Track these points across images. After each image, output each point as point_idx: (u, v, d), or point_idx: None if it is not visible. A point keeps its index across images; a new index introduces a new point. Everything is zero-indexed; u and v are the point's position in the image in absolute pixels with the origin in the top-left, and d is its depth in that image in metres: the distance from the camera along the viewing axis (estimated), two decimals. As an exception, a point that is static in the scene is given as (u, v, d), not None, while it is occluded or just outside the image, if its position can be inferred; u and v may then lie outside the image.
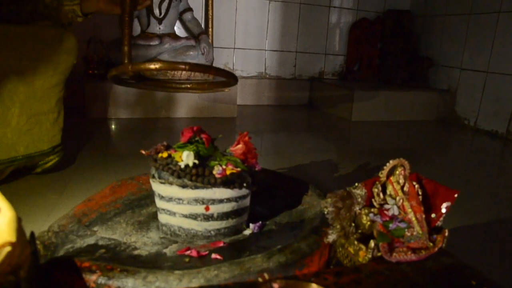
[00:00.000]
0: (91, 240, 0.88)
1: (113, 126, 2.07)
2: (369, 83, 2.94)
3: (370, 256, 0.76)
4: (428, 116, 2.64)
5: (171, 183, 0.85)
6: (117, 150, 1.76)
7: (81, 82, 2.17)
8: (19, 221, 0.61)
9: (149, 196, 1.08)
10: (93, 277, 0.69)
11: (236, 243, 0.89)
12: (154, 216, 0.99)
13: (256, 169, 0.92)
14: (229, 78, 1.38)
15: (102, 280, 0.69)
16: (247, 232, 0.92)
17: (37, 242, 0.78)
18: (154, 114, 2.23)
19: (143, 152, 0.90)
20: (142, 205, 1.05)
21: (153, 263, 0.80)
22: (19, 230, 0.60)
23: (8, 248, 0.55)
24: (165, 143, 0.92)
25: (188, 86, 1.58)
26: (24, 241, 0.60)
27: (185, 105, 2.27)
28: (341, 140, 2.18)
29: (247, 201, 0.91)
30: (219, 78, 1.65)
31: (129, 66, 1.22)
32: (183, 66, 1.27)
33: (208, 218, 0.87)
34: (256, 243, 0.89)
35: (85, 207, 0.99)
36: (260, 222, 0.95)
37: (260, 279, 0.63)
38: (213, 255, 0.81)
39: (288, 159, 1.67)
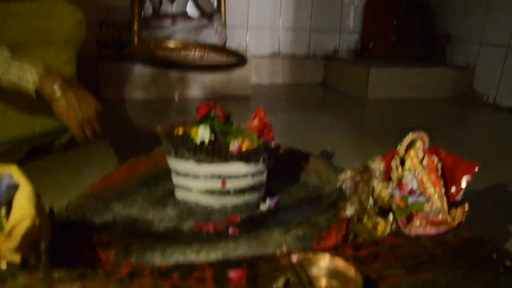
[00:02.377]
0: (108, 217, 0.88)
1: (127, 107, 2.08)
2: (385, 60, 2.89)
3: (388, 230, 0.75)
4: (445, 93, 2.59)
5: (187, 159, 0.85)
6: (132, 130, 1.76)
7: (94, 64, 2.17)
8: (38, 197, 0.61)
9: (164, 174, 1.08)
10: (112, 252, 0.70)
11: (252, 218, 0.88)
12: (170, 193, 0.99)
13: (272, 145, 0.91)
14: (239, 59, 1.37)
15: (120, 255, 0.70)
16: (263, 207, 0.92)
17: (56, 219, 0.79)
18: (168, 95, 2.22)
19: (159, 129, 0.90)
20: (158, 183, 1.05)
21: (170, 239, 0.80)
22: (38, 205, 0.60)
23: (28, 222, 0.56)
24: (179, 121, 0.92)
25: (200, 65, 1.57)
26: (43, 215, 0.60)
27: (199, 85, 2.26)
28: (357, 118, 2.15)
29: (263, 177, 0.91)
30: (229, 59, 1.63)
31: (151, 43, 1.21)
32: (201, 47, 1.26)
33: (224, 194, 0.87)
34: (273, 218, 0.88)
35: (102, 185, 1.00)
36: (277, 197, 0.95)
37: (278, 252, 0.62)
38: (230, 230, 0.81)
39: (303, 137, 1.66)
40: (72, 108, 1.03)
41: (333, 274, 0.59)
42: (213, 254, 0.69)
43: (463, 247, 0.70)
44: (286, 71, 2.87)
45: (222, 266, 0.61)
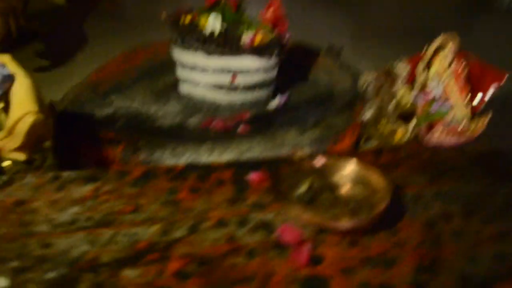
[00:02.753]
0: (109, 110, 0.83)
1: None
2: None
3: (407, 136, 0.72)
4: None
5: (195, 50, 0.78)
6: (127, 14, 1.63)
7: None
8: (37, 90, 0.55)
9: (166, 64, 1.01)
10: (119, 149, 0.66)
11: (262, 116, 0.84)
12: (173, 86, 0.93)
13: (286, 37, 0.84)
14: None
15: (127, 152, 0.66)
16: (273, 105, 0.87)
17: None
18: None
19: (163, 15, 0.81)
20: (159, 74, 0.99)
21: (177, 135, 0.76)
22: (40, 99, 0.54)
23: (31, 118, 0.50)
24: (185, 6, 0.83)
25: None
26: (45, 110, 0.55)
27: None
28: (363, 13, 2.03)
29: (274, 72, 0.85)
30: None
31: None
32: None
33: (234, 89, 0.82)
34: (283, 116, 0.84)
35: (99, 75, 0.93)
36: (286, 95, 0.90)
37: (297, 155, 0.59)
38: (240, 128, 0.78)
39: (306, 29, 1.56)
40: None
41: (359, 180, 0.56)
42: (227, 154, 0.66)
43: (483, 159, 0.68)
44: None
45: (240, 167, 0.58)
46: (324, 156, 0.59)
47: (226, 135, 0.73)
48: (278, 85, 0.91)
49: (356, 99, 0.83)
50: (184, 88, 0.85)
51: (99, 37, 1.28)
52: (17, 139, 0.51)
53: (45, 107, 0.55)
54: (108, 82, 0.92)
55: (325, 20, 1.79)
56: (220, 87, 0.81)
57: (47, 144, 0.55)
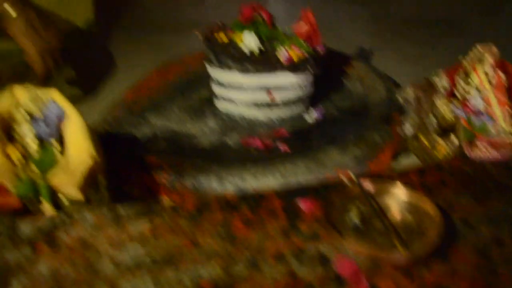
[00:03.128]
0: (146, 130, 0.85)
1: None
2: None
3: (450, 152, 0.72)
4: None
5: (231, 68, 0.78)
6: (152, 22, 1.63)
7: None
8: (90, 128, 0.57)
9: (198, 79, 1.02)
10: (165, 175, 0.67)
11: (299, 131, 0.85)
12: (207, 102, 0.94)
13: (320, 51, 0.84)
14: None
15: (174, 178, 0.67)
16: (309, 118, 0.88)
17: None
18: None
19: (197, 33, 0.82)
20: (192, 89, 1.00)
21: (217, 155, 0.77)
22: (93, 137, 0.56)
23: (90, 161, 0.52)
24: (220, 22, 0.83)
25: None
26: (99, 147, 0.56)
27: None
28: (384, 8, 2.00)
29: (310, 86, 0.85)
30: None
31: None
32: None
33: (271, 106, 0.82)
34: (321, 131, 0.85)
35: (134, 94, 0.95)
36: (322, 107, 0.90)
37: (344, 178, 0.60)
38: (280, 146, 0.78)
39: (330, 32, 1.55)
40: (34, 33, 0.84)
41: (407, 204, 0.57)
42: (271, 178, 0.66)
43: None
44: None
45: (289, 194, 0.58)
46: (370, 179, 0.60)
47: (268, 156, 0.73)
48: (313, 97, 0.91)
49: (392, 111, 0.82)
50: (220, 105, 0.86)
51: (128, 54, 1.30)
52: (76, 180, 0.52)
53: (98, 143, 0.56)
54: (143, 100, 0.93)
55: (345, 17, 1.77)
56: (257, 104, 0.81)
57: (103, 182, 0.57)
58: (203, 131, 0.85)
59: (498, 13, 2.00)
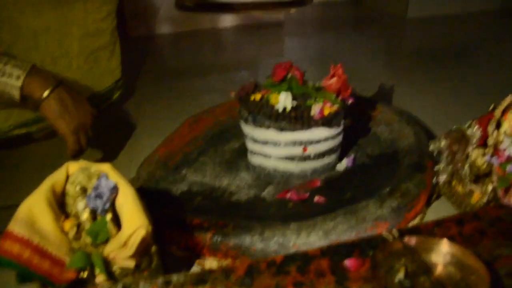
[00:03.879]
0: (183, 186, 0.87)
1: (160, 44, 1.99)
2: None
3: (485, 200, 0.73)
4: (491, 4, 2.40)
5: (267, 127, 0.81)
6: (173, 71, 1.70)
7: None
8: (142, 199, 0.60)
9: (227, 130, 1.06)
10: (208, 235, 0.69)
11: (332, 180, 0.87)
12: (239, 154, 0.97)
13: (350, 102, 0.86)
14: None
15: (217, 238, 0.69)
16: (340, 167, 0.90)
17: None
18: (198, 26, 2.11)
19: (232, 94, 0.85)
20: (223, 141, 1.03)
21: (255, 209, 0.80)
22: (144, 206, 0.59)
23: (143, 232, 0.54)
24: (252, 81, 0.87)
25: (252, 6, 1.46)
26: (149, 215, 0.59)
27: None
28: (398, 41, 2.04)
29: (341, 137, 0.88)
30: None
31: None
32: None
33: (305, 158, 0.85)
34: (353, 180, 0.86)
35: (167, 149, 0.98)
36: (353, 156, 0.92)
37: (387, 235, 0.61)
38: (315, 198, 0.80)
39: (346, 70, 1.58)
40: (66, 112, 0.85)
41: (452, 261, 0.57)
42: (314, 234, 0.68)
43: None
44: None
45: (334, 253, 0.60)
46: (413, 235, 0.61)
47: (308, 212, 0.75)
48: (343, 146, 0.93)
49: (424, 158, 0.84)
50: (254, 160, 0.88)
51: (154, 105, 1.34)
52: (130, 250, 0.54)
53: (148, 213, 0.59)
54: (176, 155, 0.96)
55: (358, 53, 1.80)
56: (291, 158, 0.84)
57: (154, 249, 0.59)
58: (239, 185, 0.87)
59: (510, 36, 2.03)
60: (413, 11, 2.26)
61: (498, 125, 0.75)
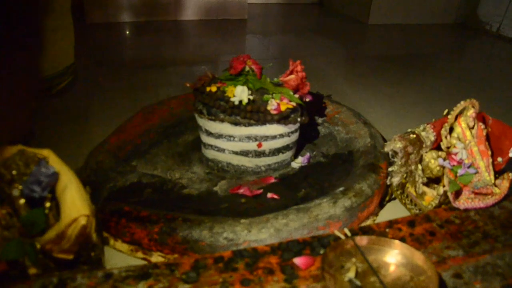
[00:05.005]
0: (133, 178, 0.84)
1: (118, 32, 1.92)
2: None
3: (437, 202, 0.74)
4: (447, 19, 2.48)
5: (222, 121, 0.79)
6: (130, 61, 1.64)
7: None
8: (84, 187, 0.56)
9: (182, 123, 1.02)
10: (155, 228, 0.66)
11: (286, 178, 0.86)
12: (193, 147, 0.94)
13: (307, 100, 0.85)
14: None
15: (165, 231, 0.66)
16: (295, 165, 0.89)
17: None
18: (159, 17, 2.06)
19: (188, 85, 0.82)
20: (177, 133, 1.00)
21: (207, 204, 0.77)
22: (86, 195, 0.55)
23: (83, 221, 0.51)
24: (209, 73, 0.84)
25: None
26: (91, 205, 0.55)
27: (192, 6, 2.09)
28: (358, 45, 2.07)
29: (297, 134, 0.86)
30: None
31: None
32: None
33: (259, 154, 0.83)
34: (307, 178, 0.85)
35: (119, 139, 0.93)
36: (308, 154, 0.91)
37: (339, 234, 0.60)
38: (269, 194, 0.78)
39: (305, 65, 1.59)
40: None
41: (403, 261, 0.57)
42: (265, 231, 0.66)
43: (513, 222, 0.69)
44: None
45: (284, 250, 0.58)
46: (365, 235, 0.60)
47: (260, 208, 0.73)
48: (299, 144, 0.92)
49: (378, 159, 0.84)
50: (208, 153, 0.85)
51: (108, 93, 1.28)
52: (68, 241, 0.51)
53: (91, 204, 0.55)
54: (127, 145, 0.92)
55: (318, 53, 1.81)
56: (245, 153, 0.82)
57: (94, 237, 0.55)
58: (191, 179, 0.84)
59: (464, 49, 2.10)
60: (374, 18, 2.30)
61: (451, 130, 0.76)
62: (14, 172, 0.55)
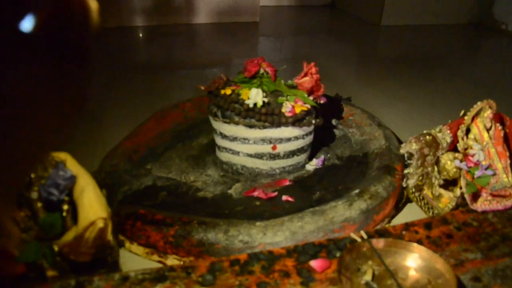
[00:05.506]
0: (148, 181, 0.84)
1: (131, 36, 1.93)
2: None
3: (454, 204, 0.73)
4: (461, 19, 2.45)
5: (237, 123, 0.79)
6: (143, 65, 1.65)
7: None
8: (101, 191, 0.56)
9: (196, 126, 1.03)
10: (171, 231, 0.66)
11: (301, 180, 0.85)
12: (207, 150, 0.95)
13: (322, 102, 0.85)
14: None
15: (180, 233, 0.66)
16: (310, 167, 0.88)
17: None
18: (172, 20, 2.07)
19: (202, 88, 0.83)
20: (191, 137, 1.00)
21: (221, 207, 0.77)
22: (103, 199, 0.55)
23: (101, 224, 0.51)
24: (223, 75, 0.84)
25: None
26: (108, 208, 0.55)
27: (204, 9, 2.10)
28: (371, 46, 2.06)
29: (312, 137, 0.86)
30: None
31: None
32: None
33: (274, 157, 0.83)
34: (322, 180, 0.85)
35: (133, 142, 0.94)
36: (323, 156, 0.91)
37: (355, 237, 0.60)
38: (284, 197, 0.78)
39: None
40: None
41: (420, 264, 0.56)
42: (281, 234, 0.66)
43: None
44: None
45: (300, 253, 0.58)
46: (382, 237, 0.60)
47: (269, 206, 0.73)
48: (313, 146, 0.91)
49: (393, 161, 0.83)
50: (222, 156, 0.86)
51: (123, 97, 1.29)
52: (85, 244, 0.51)
53: (107, 205, 0.55)
54: (142, 148, 0.92)
55: (330, 55, 1.80)
56: (260, 156, 0.82)
57: (111, 240, 0.55)
58: (206, 181, 0.84)
59: (479, 49, 2.08)
60: (387, 19, 2.28)
61: (468, 131, 0.75)
62: (32, 175, 0.55)
